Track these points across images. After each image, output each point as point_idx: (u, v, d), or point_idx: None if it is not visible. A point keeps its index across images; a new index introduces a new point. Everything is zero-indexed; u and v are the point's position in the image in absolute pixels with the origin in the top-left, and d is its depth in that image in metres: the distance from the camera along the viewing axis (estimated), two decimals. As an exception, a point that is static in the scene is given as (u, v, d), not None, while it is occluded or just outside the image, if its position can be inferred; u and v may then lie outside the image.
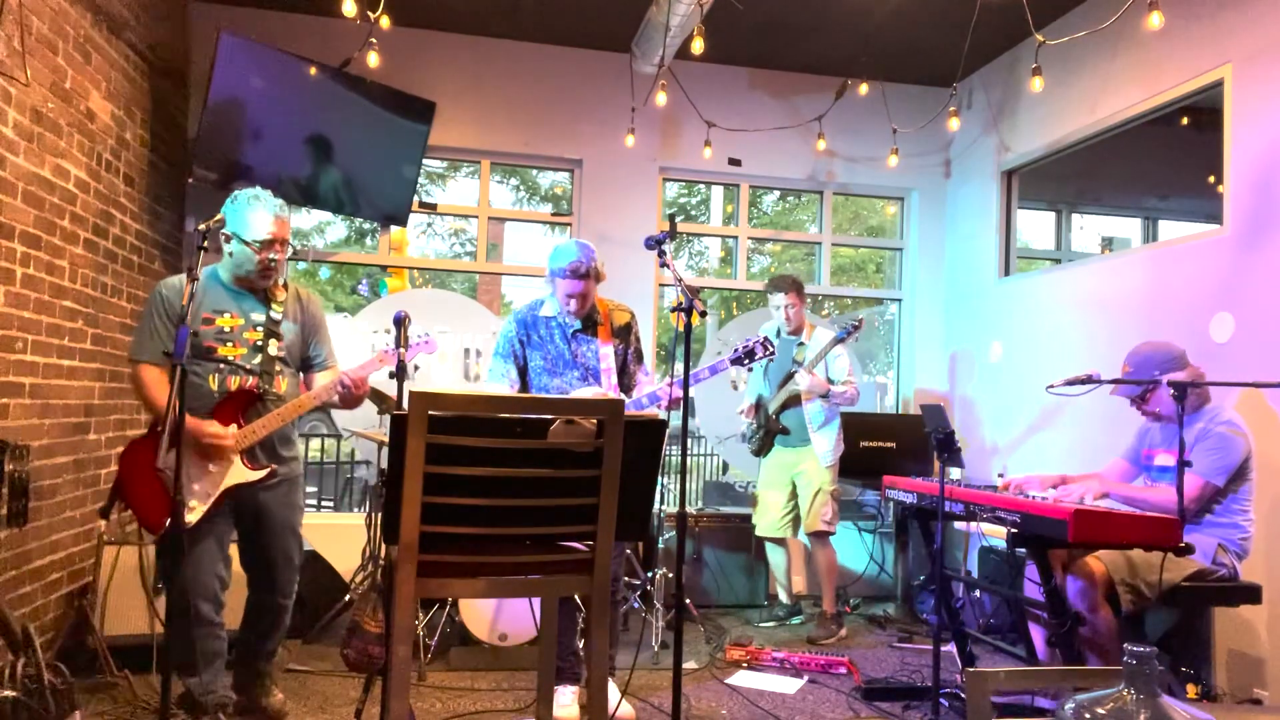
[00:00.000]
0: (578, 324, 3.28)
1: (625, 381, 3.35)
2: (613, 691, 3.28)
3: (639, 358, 3.41)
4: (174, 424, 2.35)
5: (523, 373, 3.29)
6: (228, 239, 2.85)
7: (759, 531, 4.75)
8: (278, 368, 2.93)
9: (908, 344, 6.04)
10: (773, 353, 3.32)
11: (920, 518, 3.50)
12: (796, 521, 4.66)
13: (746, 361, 3.29)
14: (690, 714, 3.36)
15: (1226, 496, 3.15)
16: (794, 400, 4.56)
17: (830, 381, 4.48)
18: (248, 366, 2.86)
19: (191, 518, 2.75)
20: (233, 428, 2.80)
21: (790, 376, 4.57)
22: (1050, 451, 4.80)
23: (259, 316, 2.92)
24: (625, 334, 3.36)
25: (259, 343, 2.89)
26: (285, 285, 3.03)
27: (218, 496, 2.80)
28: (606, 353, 3.27)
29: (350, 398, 2.93)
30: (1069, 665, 2.86)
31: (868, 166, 5.82)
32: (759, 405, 4.72)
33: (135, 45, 4.11)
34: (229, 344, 2.85)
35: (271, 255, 2.85)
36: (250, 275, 2.88)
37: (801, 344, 4.62)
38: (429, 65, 5.22)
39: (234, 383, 2.84)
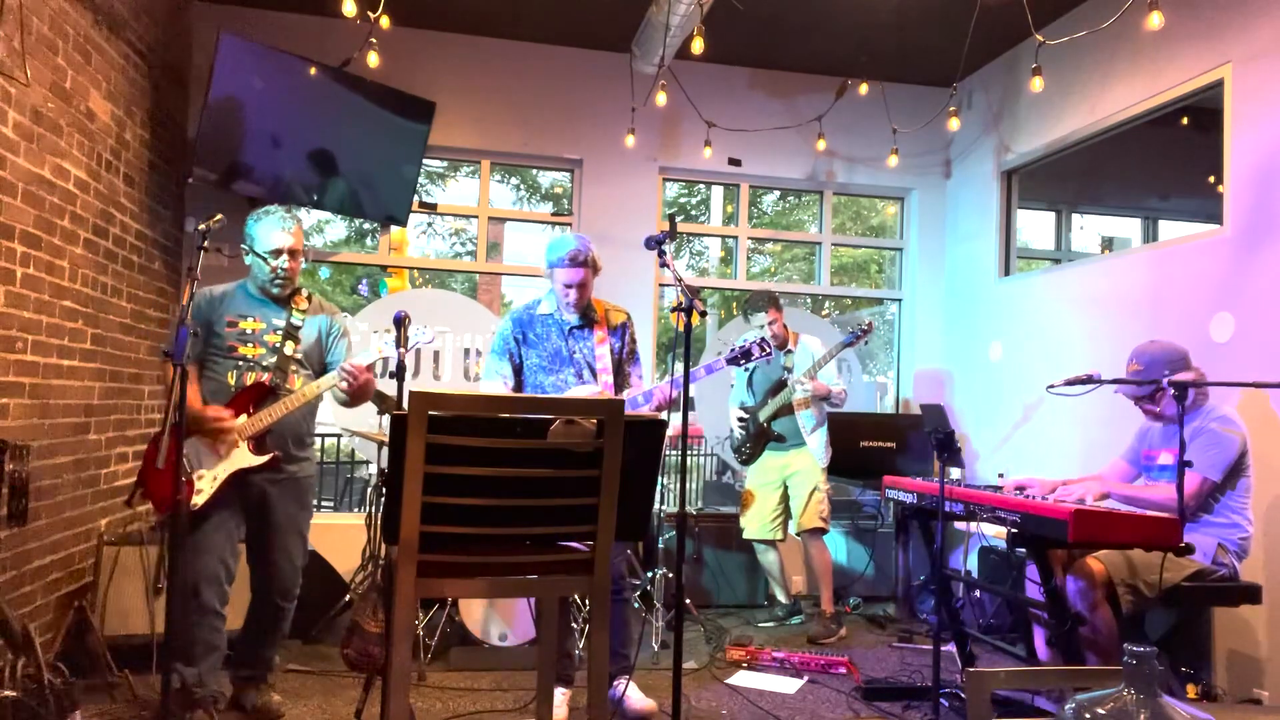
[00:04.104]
0: (575, 320, 3.29)
1: (620, 381, 3.35)
2: (634, 692, 3.28)
3: (633, 357, 3.42)
4: (174, 422, 2.46)
5: (518, 371, 3.31)
6: (246, 253, 3.09)
7: (748, 534, 4.76)
8: (293, 367, 3.11)
9: (908, 344, 6.04)
10: (769, 353, 3.29)
11: (920, 518, 3.51)
12: (787, 523, 4.69)
13: (743, 361, 3.27)
14: (690, 714, 3.36)
15: (1224, 493, 3.15)
16: (785, 409, 4.62)
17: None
18: (264, 364, 3.06)
19: (198, 499, 2.90)
20: (243, 417, 2.97)
21: (782, 385, 4.62)
22: (1051, 452, 4.79)
23: (279, 321, 3.12)
24: (621, 333, 3.37)
25: (277, 344, 3.09)
26: (310, 298, 3.21)
27: (224, 480, 2.93)
28: (603, 351, 3.28)
29: (354, 388, 3.00)
30: (1069, 665, 2.86)
31: (868, 166, 5.82)
32: (748, 412, 4.75)
33: (135, 45, 4.11)
34: (249, 344, 3.07)
35: (281, 264, 3.05)
36: (264, 284, 3.09)
37: (789, 352, 4.65)
38: (429, 65, 5.22)
39: (250, 378, 3.03)
